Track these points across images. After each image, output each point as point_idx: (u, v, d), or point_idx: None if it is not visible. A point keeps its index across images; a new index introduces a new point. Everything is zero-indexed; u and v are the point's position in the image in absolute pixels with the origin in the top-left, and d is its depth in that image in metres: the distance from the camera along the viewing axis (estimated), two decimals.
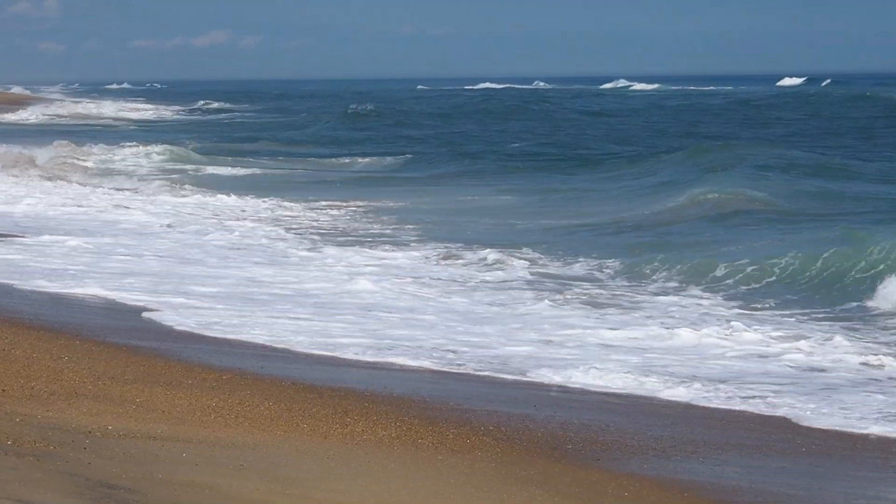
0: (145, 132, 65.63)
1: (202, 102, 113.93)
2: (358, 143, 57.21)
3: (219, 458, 8.60)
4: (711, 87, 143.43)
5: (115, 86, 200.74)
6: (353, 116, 76.49)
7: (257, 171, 42.93)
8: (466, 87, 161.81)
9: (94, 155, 45.79)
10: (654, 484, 9.20)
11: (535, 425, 10.84)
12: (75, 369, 11.27)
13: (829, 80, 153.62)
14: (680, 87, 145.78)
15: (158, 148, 47.93)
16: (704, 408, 11.92)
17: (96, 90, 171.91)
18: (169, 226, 26.42)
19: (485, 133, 62.12)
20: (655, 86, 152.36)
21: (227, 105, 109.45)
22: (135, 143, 50.32)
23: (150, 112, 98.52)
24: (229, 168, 43.03)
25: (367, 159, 46.96)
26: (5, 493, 6.54)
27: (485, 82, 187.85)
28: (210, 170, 42.44)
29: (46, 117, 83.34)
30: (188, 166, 43.72)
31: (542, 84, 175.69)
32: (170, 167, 43.58)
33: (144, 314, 15.41)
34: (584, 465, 9.63)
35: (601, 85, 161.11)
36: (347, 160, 47.25)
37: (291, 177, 40.88)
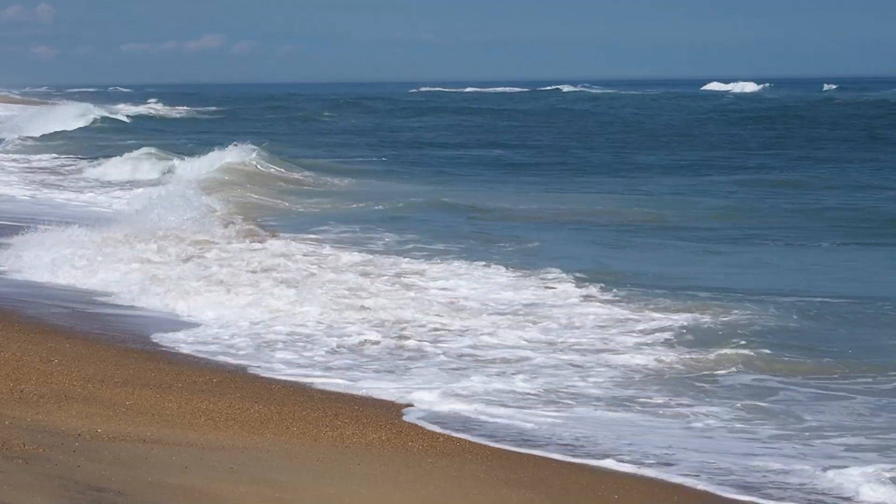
0: None
1: (124, 105, 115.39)
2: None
3: (209, 461, 8.58)
4: (633, 91, 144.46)
5: (75, 90, 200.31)
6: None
7: None
8: (411, 91, 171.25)
9: None
10: (644, 485, 9.20)
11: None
12: (65, 372, 11.24)
13: (768, 85, 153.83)
14: (614, 91, 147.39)
15: None
16: None
17: (48, 93, 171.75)
18: None
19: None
20: (578, 88, 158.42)
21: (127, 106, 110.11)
22: None
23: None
24: None
25: None
26: None
27: (425, 86, 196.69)
28: None
29: None
30: None
31: (470, 88, 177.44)
32: None
33: None
34: (574, 467, 9.63)
35: (542, 87, 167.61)
36: None
37: None
